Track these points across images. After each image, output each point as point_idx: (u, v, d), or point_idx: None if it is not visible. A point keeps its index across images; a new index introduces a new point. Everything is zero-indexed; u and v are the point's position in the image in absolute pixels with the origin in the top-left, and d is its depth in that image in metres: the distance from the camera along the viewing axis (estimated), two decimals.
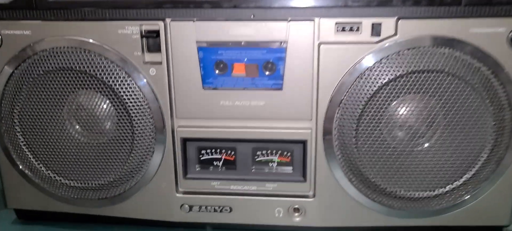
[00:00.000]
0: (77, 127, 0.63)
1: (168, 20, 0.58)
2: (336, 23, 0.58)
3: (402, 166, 0.61)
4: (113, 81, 0.60)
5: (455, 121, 0.58)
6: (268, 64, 0.60)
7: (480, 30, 0.55)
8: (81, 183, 0.65)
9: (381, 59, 0.58)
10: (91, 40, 0.60)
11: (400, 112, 0.60)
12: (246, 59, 0.60)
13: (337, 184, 0.64)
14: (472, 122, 0.57)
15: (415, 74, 0.58)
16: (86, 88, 0.60)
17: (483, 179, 0.60)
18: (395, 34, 0.58)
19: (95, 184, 0.65)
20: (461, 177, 0.61)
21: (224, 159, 0.66)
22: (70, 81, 0.60)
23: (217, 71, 0.61)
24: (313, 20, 0.57)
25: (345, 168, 0.62)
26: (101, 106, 0.63)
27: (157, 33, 0.59)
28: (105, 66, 0.60)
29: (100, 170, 0.64)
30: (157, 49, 0.60)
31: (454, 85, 0.56)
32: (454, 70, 0.55)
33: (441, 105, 0.57)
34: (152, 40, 0.60)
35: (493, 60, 0.56)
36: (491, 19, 0.55)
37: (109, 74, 0.60)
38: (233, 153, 0.66)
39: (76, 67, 0.59)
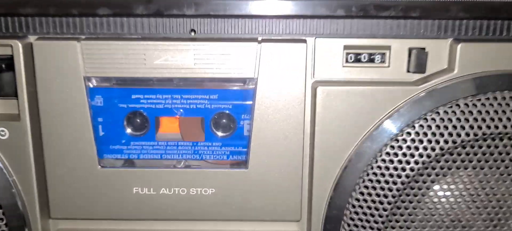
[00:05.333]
0: None
1: (32, 38, 0.46)
2: (345, 47, 0.46)
3: None
4: None
5: None
6: (223, 119, 0.48)
7: None
8: None
9: (426, 115, 0.45)
10: None
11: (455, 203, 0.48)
12: (182, 109, 0.47)
13: None
14: None
15: (489, 140, 0.45)
16: None
17: None
18: (451, 68, 0.46)
19: None
20: None
21: None
22: None
23: (129, 131, 0.48)
24: (305, 41, 0.46)
25: None
26: None
27: (9, 60, 0.46)
28: None
29: None
30: (10, 91, 0.47)
31: None
32: None
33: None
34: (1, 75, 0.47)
35: None
36: None
37: None
38: None
39: None
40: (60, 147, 0.47)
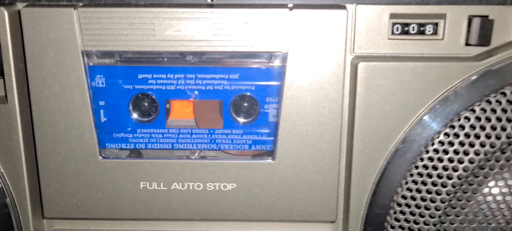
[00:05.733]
0: None
1: (20, 4, 0.43)
2: (391, 16, 0.42)
3: None
4: None
5: None
6: (244, 102, 0.45)
7: None
8: None
9: (489, 96, 0.41)
10: None
11: None
12: (196, 91, 0.45)
13: None
14: None
15: None
16: None
17: None
18: None
19: None
20: None
21: None
22: None
23: (135, 116, 0.46)
24: (344, 8, 0.42)
25: None
26: None
27: None
28: None
29: None
30: None
31: None
32: None
33: None
34: None
35: None
36: None
37: None
38: None
39: None
40: (55, 135, 0.44)
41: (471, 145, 0.40)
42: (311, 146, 0.43)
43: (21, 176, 0.45)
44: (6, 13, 0.40)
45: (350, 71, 0.43)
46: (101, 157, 0.43)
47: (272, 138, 0.44)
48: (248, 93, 0.44)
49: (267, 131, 0.44)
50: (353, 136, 0.43)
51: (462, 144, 0.40)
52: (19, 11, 0.41)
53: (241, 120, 0.45)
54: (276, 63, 0.43)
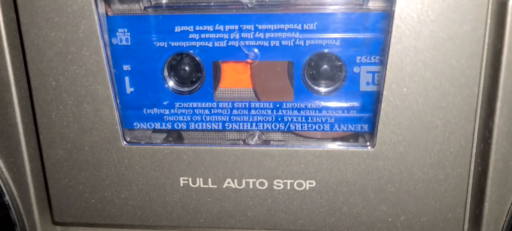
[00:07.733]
0: None
1: None
2: None
3: None
4: None
5: None
6: (324, 63, 0.37)
7: None
8: None
9: None
10: None
11: None
12: (256, 49, 0.37)
13: None
14: None
15: None
16: None
17: None
18: None
19: None
20: None
21: None
22: None
23: (172, 85, 0.39)
24: None
25: None
26: None
27: None
28: None
29: None
30: None
31: None
32: None
33: None
34: None
35: None
36: None
37: None
38: None
39: None
40: (61, 113, 0.36)
41: None
42: (430, 127, 0.33)
43: (22, 168, 0.36)
44: None
45: (497, 15, 0.30)
46: (125, 142, 0.34)
47: (367, 115, 0.34)
48: (328, 51, 0.35)
49: (357, 104, 0.34)
50: (495, 112, 0.32)
51: None
52: None
53: (321, 88, 0.37)
54: (376, 5, 0.32)
